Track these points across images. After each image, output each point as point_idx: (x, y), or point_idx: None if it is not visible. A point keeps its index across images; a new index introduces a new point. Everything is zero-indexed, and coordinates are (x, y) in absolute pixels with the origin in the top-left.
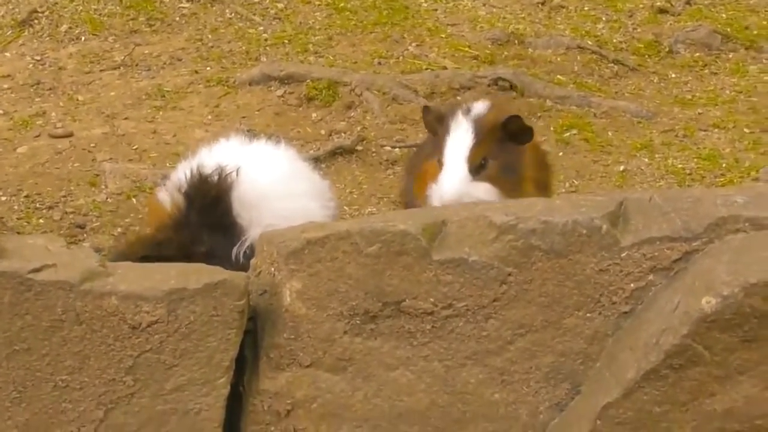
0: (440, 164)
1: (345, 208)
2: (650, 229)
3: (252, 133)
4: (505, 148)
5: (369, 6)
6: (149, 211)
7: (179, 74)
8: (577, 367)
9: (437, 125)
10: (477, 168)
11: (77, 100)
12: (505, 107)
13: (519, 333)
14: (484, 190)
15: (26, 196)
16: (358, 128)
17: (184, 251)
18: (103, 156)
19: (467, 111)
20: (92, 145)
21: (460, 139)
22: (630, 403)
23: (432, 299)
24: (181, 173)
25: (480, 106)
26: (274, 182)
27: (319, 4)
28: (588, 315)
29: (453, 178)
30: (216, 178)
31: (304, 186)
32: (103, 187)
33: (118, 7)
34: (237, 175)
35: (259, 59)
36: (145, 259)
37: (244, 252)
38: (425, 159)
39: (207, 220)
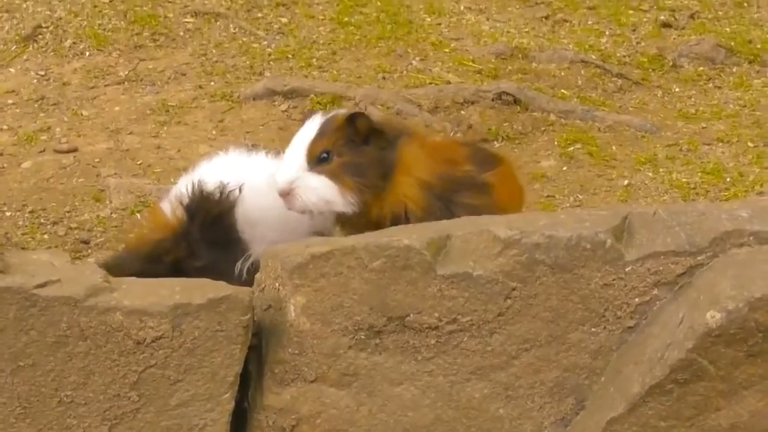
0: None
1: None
2: (654, 243)
3: (255, 148)
4: (357, 149)
5: (373, 21)
6: (149, 217)
7: (183, 89)
8: (582, 381)
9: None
10: (317, 160)
11: (82, 115)
12: (366, 113)
13: (524, 348)
14: (320, 183)
15: (31, 212)
16: None
17: (179, 265)
18: (108, 171)
19: (326, 114)
20: (97, 160)
21: (304, 133)
22: (635, 418)
23: (436, 314)
24: (183, 187)
25: (344, 110)
26: (277, 198)
27: (323, 19)
28: (593, 330)
29: (286, 166)
30: (218, 195)
31: None
32: (107, 202)
33: (122, 22)
34: (240, 191)
35: (263, 74)
36: (140, 272)
37: (248, 268)
38: None
39: (208, 236)
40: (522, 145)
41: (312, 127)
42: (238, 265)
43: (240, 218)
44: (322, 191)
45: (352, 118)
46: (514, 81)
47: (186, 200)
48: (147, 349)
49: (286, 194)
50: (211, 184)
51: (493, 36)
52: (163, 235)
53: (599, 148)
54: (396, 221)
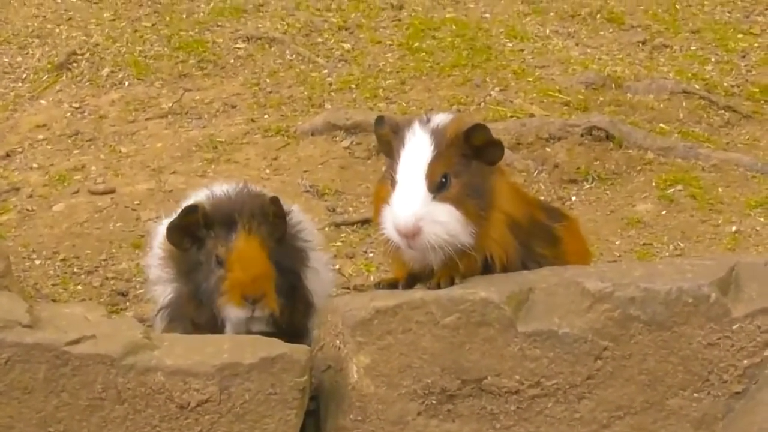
0: (393, 183)
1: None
2: (766, 298)
3: (313, 189)
4: (470, 166)
5: (446, 46)
6: None
7: (233, 123)
8: None
9: (392, 138)
10: (437, 186)
11: (120, 152)
12: (467, 119)
13: (616, 415)
14: (446, 213)
15: (63, 260)
16: None
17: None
18: (149, 214)
19: (426, 121)
20: (136, 202)
21: (416, 153)
22: None
23: (517, 376)
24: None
25: (441, 117)
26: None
27: (390, 44)
28: (695, 395)
29: (409, 198)
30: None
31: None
32: (148, 249)
33: (165, 49)
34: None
35: (322, 106)
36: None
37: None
38: (379, 182)
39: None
40: (615, 187)
41: (422, 142)
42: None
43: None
44: (450, 224)
45: (471, 133)
46: (607, 114)
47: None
48: (191, 414)
49: (414, 234)
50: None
51: (582, 63)
52: None
53: (703, 190)
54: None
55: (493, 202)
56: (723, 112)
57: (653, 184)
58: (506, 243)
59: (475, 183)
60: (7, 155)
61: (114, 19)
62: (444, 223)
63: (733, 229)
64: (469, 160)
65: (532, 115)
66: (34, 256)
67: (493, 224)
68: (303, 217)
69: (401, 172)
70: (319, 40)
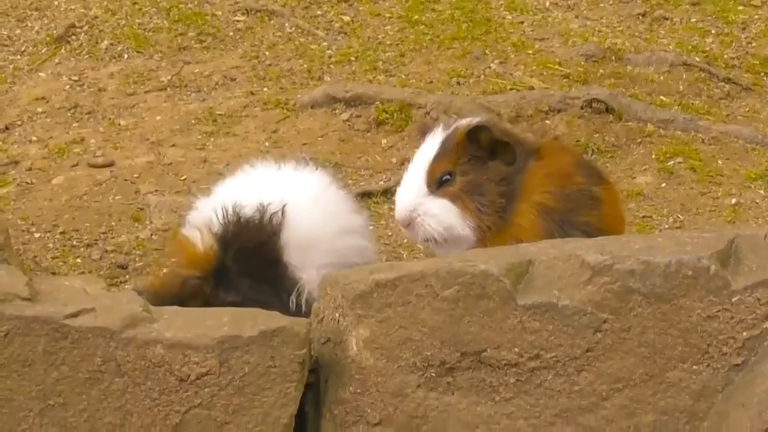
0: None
1: (419, 246)
2: (766, 270)
3: (313, 162)
4: (484, 166)
5: (446, 19)
6: (175, 250)
7: (233, 96)
8: (682, 426)
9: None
10: (437, 182)
11: (119, 125)
12: (491, 122)
13: (616, 388)
14: (441, 207)
15: (62, 233)
16: None
17: (209, 304)
18: (148, 188)
19: (449, 124)
20: (135, 175)
21: (425, 151)
22: None
23: (517, 349)
24: (211, 211)
25: (466, 120)
26: (326, 217)
27: (390, 17)
28: (694, 368)
29: (405, 192)
30: (259, 220)
31: (354, 221)
32: (147, 222)
33: (165, 21)
34: (283, 214)
35: (322, 79)
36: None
37: (305, 300)
38: None
39: (246, 268)
40: (615, 159)
41: (432, 144)
42: (292, 298)
43: (288, 244)
44: (444, 216)
45: (473, 132)
46: (607, 86)
47: (218, 228)
48: (191, 387)
49: (407, 224)
50: (248, 207)
51: (582, 35)
52: (191, 273)
53: (703, 163)
54: None
55: (520, 195)
56: (723, 84)
57: (653, 156)
58: (536, 231)
59: (484, 181)
60: (6, 128)
61: None
62: (436, 215)
63: (733, 201)
64: (484, 160)
65: (531, 88)
66: (34, 229)
67: (521, 215)
68: (298, 230)
69: (408, 171)
70: (319, 12)
